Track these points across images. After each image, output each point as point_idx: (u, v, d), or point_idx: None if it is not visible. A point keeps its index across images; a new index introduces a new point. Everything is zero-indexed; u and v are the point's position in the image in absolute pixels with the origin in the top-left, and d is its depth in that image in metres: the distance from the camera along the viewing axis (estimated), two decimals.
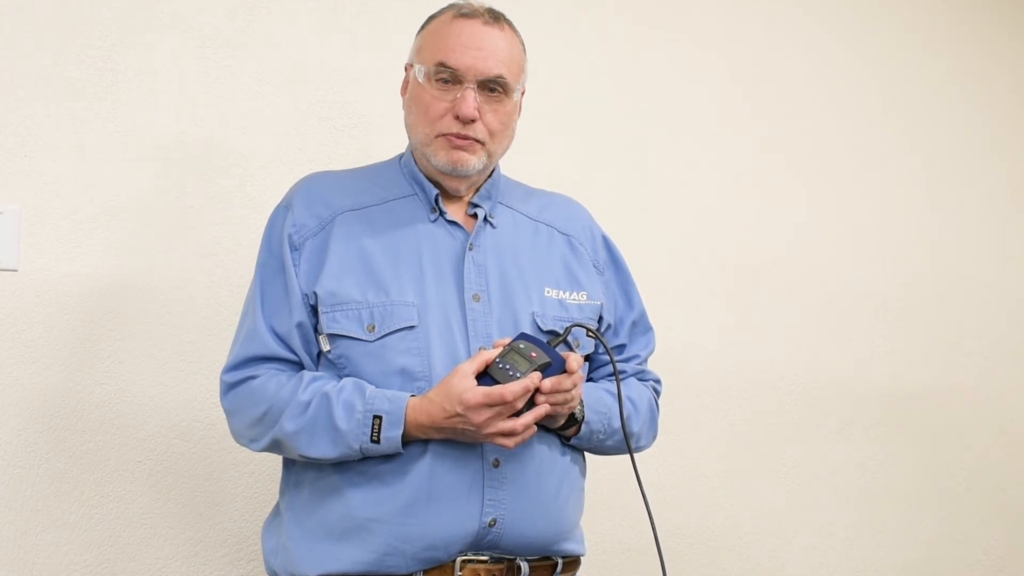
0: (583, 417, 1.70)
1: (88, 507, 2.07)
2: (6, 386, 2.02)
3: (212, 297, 2.17)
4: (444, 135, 1.70)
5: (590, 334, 1.73)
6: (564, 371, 1.61)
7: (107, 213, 2.09)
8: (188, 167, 2.16)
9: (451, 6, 1.76)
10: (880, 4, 3.03)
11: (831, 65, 2.95)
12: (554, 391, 1.61)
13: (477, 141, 1.71)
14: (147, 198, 2.13)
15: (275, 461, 1.84)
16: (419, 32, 1.78)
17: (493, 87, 1.71)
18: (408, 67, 1.78)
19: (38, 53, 2.05)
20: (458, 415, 1.57)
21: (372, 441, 1.60)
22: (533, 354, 1.59)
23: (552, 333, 1.72)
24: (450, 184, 1.76)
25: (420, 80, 1.72)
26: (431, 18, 1.77)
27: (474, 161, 1.72)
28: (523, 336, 1.63)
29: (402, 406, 1.60)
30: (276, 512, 1.77)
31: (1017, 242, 3.22)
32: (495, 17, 1.73)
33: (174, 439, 2.14)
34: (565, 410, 1.66)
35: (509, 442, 1.59)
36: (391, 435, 1.60)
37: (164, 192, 2.14)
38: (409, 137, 1.78)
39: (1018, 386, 3.19)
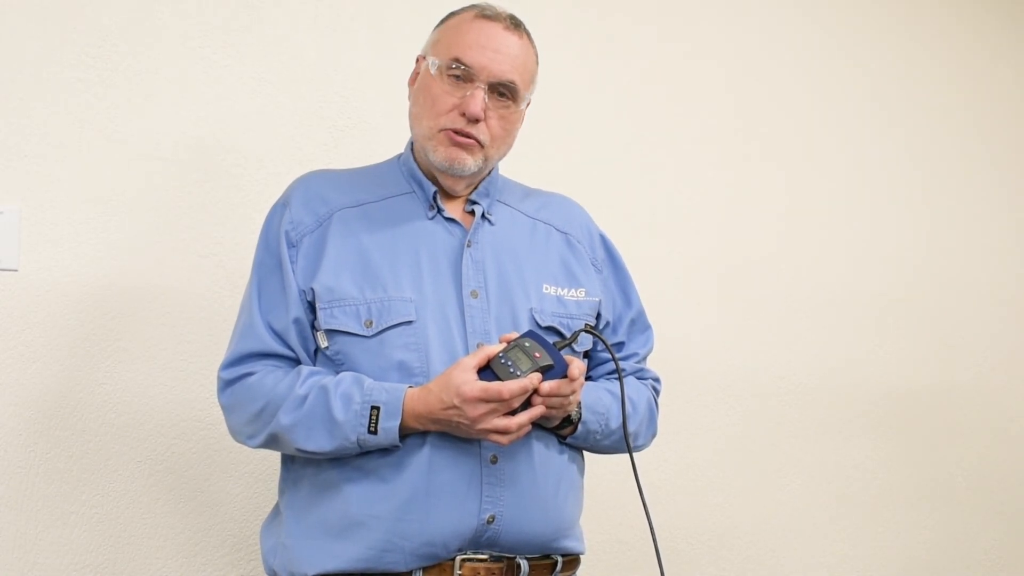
0: (579, 418, 1.70)
1: (88, 507, 2.07)
2: (6, 386, 2.02)
3: (212, 297, 2.17)
4: (447, 130, 1.71)
5: (589, 331, 1.73)
6: (565, 376, 1.61)
7: (107, 213, 2.09)
8: (188, 167, 2.16)
9: (473, 6, 1.77)
10: (877, 6, 3.04)
11: (830, 67, 2.95)
12: (551, 395, 1.61)
13: (477, 142, 1.71)
14: (147, 198, 2.13)
15: (274, 461, 1.84)
16: (438, 26, 1.78)
17: (503, 91, 1.71)
18: (420, 58, 1.78)
19: (38, 54, 2.05)
20: (454, 407, 1.57)
21: (370, 432, 1.60)
22: (537, 354, 1.59)
23: (551, 329, 1.72)
24: (447, 182, 1.76)
25: (432, 72, 1.72)
26: (452, 14, 1.78)
27: (471, 162, 1.72)
28: (530, 334, 1.62)
29: (400, 396, 1.60)
30: (275, 512, 1.77)
31: (1016, 242, 3.22)
32: (516, 24, 1.75)
33: (174, 439, 2.14)
34: (561, 413, 1.66)
35: (503, 439, 1.59)
36: (388, 425, 1.59)
37: (164, 192, 2.14)
38: (412, 128, 1.78)
39: (1018, 386, 3.20)
